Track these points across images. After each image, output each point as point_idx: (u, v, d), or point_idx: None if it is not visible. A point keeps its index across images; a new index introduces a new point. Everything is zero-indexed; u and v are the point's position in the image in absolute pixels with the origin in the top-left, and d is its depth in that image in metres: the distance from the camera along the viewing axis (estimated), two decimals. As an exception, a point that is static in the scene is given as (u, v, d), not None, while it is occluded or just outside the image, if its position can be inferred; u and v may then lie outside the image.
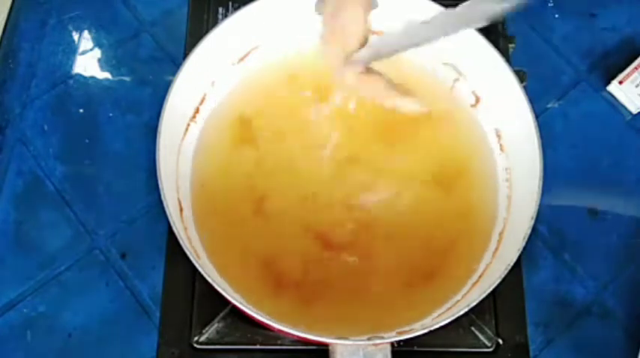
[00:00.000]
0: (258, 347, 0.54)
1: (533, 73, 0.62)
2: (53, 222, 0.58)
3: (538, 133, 0.52)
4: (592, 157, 0.63)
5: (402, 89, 0.43)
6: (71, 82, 0.64)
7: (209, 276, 0.46)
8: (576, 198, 0.61)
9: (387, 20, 0.60)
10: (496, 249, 0.54)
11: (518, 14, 0.67)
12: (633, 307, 0.58)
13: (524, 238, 0.49)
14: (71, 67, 0.64)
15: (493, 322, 0.55)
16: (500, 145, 0.58)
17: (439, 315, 0.52)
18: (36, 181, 0.59)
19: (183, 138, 0.56)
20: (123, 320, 0.55)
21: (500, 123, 0.58)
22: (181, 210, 0.54)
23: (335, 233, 0.55)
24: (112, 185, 0.59)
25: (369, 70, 0.43)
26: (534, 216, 0.49)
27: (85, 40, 0.66)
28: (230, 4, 0.66)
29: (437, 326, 0.46)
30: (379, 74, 0.43)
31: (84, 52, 0.65)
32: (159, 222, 0.57)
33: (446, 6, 0.55)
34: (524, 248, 0.49)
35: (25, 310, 0.55)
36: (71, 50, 0.65)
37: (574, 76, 0.67)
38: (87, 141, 0.61)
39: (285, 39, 0.60)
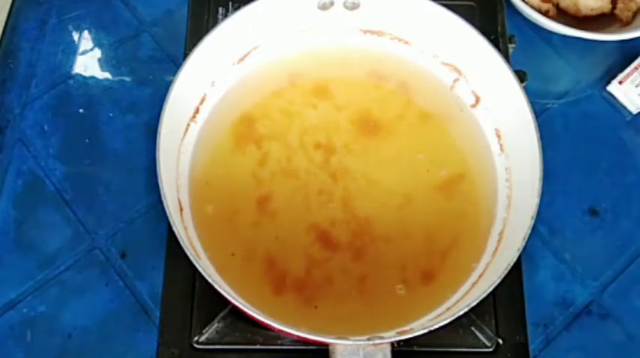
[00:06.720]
0: (258, 347, 0.54)
1: (533, 73, 0.62)
2: (53, 222, 0.58)
3: (538, 133, 0.52)
4: (592, 157, 0.63)
5: None
6: (71, 82, 0.64)
7: (209, 276, 0.46)
8: (576, 198, 0.61)
9: (387, 20, 0.60)
10: (496, 249, 0.54)
11: (518, 14, 0.67)
12: (633, 307, 0.58)
13: (524, 238, 0.49)
14: (71, 67, 0.64)
15: (493, 322, 0.55)
16: (500, 145, 0.58)
17: (439, 315, 0.52)
18: (36, 181, 0.59)
19: (183, 138, 0.56)
20: (123, 320, 0.55)
21: (500, 123, 0.58)
22: (181, 210, 0.54)
23: (336, 233, 0.55)
24: (112, 185, 0.59)
25: None
26: (534, 216, 0.49)
27: (85, 40, 0.66)
28: (230, 4, 0.66)
29: (437, 326, 0.46)
30: None
31: (84, 52, 0.65)
32: (159, 222, 0.57)
33: (446, 6, 0.56)
34: (524, 248, 0.49)
35: (25, 310, 0.55)
36: (71, 50, 0.65)
37: (574, 76, 0.67)
38: (87, 141, 0.61)
39: (285, 39, 0.60)
